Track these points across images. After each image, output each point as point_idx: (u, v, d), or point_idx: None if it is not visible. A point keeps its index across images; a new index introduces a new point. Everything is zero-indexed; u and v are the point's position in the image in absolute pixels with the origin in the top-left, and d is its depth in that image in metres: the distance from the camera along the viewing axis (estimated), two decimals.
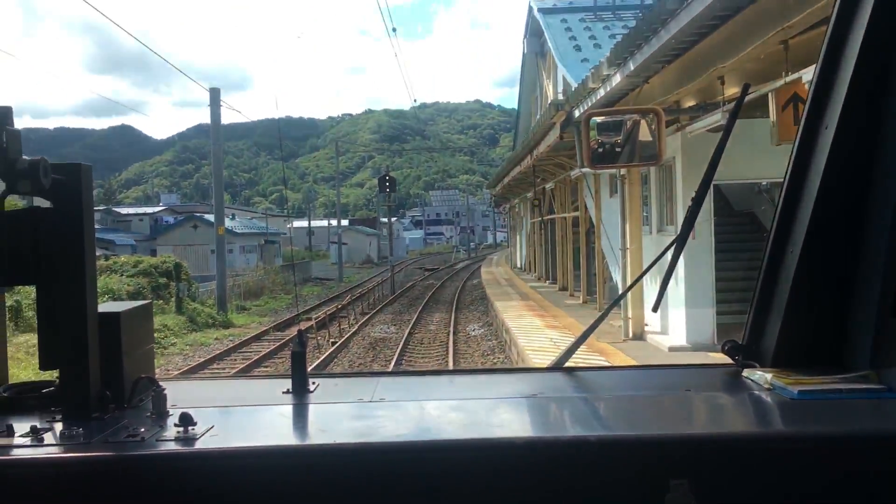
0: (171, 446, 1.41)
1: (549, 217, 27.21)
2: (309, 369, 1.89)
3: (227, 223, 37.08)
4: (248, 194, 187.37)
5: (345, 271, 50.75)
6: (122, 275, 25.41)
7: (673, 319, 12.79)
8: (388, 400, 1.71)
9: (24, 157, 1.41)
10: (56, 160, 1.49)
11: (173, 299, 24.87)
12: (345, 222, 79.40)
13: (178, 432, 1.45)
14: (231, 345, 20.16)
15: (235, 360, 18.08)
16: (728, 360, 1.91)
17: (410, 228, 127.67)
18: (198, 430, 1.46)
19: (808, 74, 7.09)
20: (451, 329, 21.50)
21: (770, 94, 8.23)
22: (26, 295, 17.87)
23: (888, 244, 1.62)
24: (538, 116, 23.09)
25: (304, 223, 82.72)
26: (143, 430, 1.48)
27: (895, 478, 1.34)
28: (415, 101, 63.22)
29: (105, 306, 1.66)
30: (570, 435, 1.44)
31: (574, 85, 17.54)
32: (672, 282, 2.02)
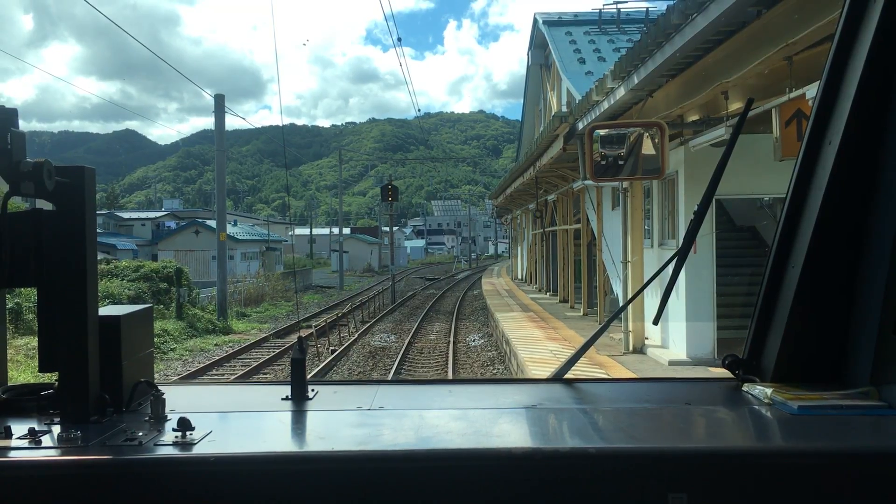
0: (169, 451, 1.41)
1: (551, 229, 27.21)
2: (308, 377, 1.89)
3: (229, 229, 37.14)
4: (251, 201, 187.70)
5: (345, 279, 50.71)
6: (122, 279, 25.39)
7: (673, 333, 12.77)
8: (387, 408, 1.71)
9: (28, 159, 1.42)
10: (59, 164, 1.50)
11: (174, 304, 24.83)
12: (346, 230, 79.45)
13: (176, 437, 1.45)
14: (231, 351, 20.13)
15: (235, 366, 18.05)
16: (728, 374, 1.91)
17: (412, 238, 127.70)
18: (196, 434, 1.46)
19: (811, 91, 7.11)
20: (452, 339, 21.46)
21: (774, 110, 8.24)
22: (27, 297, 17.87)
23: (890, 261, 1.62)
24: (541, 128, 23.13)
25: (305, 231, 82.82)
26: (141, 433, 1.47)
27: (894, 494, 1.34)
28: (419, 110, 62.83)
29: (105, 310, 1.66)
30: (569, 446, 1.43)
31: (578, 97, 17.59)
32: (673, 295, 2.01)
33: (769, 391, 1.70)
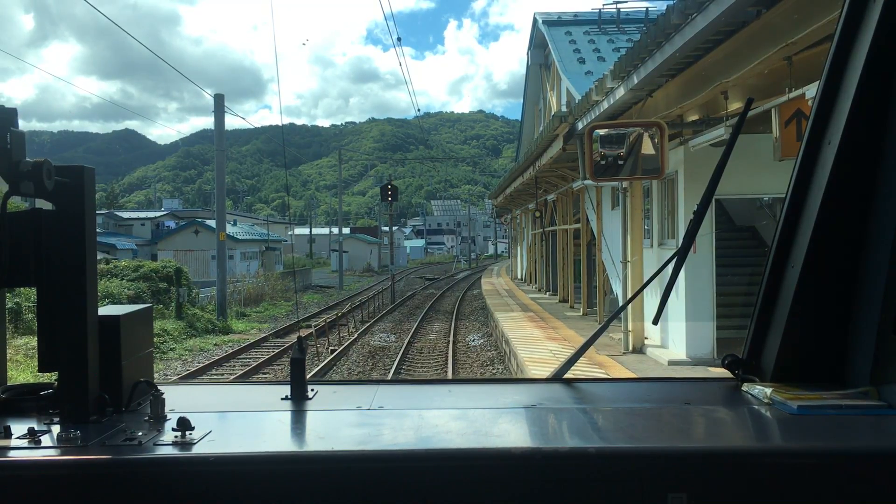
0: (169, 450, 1.41)
1: (551, 228, 27.22)
2: (308, 376, 1.89)
3: (229, 229, 37.13)
4: (250, 201, 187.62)
5: (345, 279, 50.69)
6: (122, 279, 25.39)
7: (673, 333, 12.77)
8: (386, 408, 1.71)
9: (28, 158, 1.42)
10: (59, 164, 1.50)
11: (173, 304, 24.83)
12: (346, 230, 79.41)
13: (176, 437, 1.45)
14: (230, 351, 20.13)
15: (234, 366, 18.05)
16: (728, 374, 1.91)
17: (411, 237, 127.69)
18: (195, 434, 1.46)
19: (811, 91, 7.11)
20: (451, 339, 21.46)
21: (773, 110, 8.24)
22: (26, 297, 17.86)
23: (889, 261, 1.62)
24: (541, 128, 23.13)
25: (305, 230, 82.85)
26: (140, 433, 1.47)
27: (894, 494, 1.34)
28: (419, 110, 62.67)
29: (105, 310, 1.66)
30: (569, 446, 1.43)
31: (577, 97, 17.58)
32: (672, 295, 2.01)
33: (769, 391, 1.70)
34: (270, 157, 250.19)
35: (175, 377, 15.91)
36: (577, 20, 31.14)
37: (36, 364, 1.62)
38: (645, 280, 2.42)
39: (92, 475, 1.35)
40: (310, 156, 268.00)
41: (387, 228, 52.28)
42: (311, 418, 1.68)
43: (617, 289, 15.85)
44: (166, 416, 1.60)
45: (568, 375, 2.00)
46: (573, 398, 1.84)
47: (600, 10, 30.77)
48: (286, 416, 1.68)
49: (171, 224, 62.32)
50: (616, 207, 15.66)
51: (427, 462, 1.38)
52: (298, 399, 1.79)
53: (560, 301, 24.71)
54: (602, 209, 17.75)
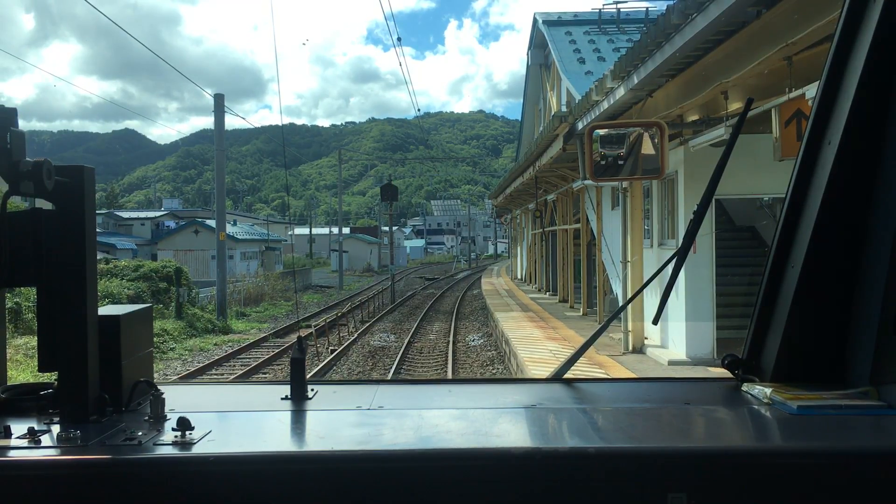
0: (169, 450, 1.41)
1: (551, 229, 27.22)
2: (308, 376, 1.89)
3: (229, 229, 37.13)
4: (250, 200, 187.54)
5: (345, 279, 50.69)
6: (122, 279, 25.39)
7: (673, 333, 12.77)
8: (386, 408, 1.71)
9: (28, 158, 1.42)
10: (59, 163, 1.50)
11: (173, 304, 24.83)
12: (346, 230, 79.41)
13: (176, 436, 1.45)
14: (230, 351, 20.12)
15: (234, 366, 18.05)
16: (728, 374, 1.91)
17: (411, 237, 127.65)
18: (195, 434, 1.46)
19: (811, 91, 7.11)
20: (451, 339, 21.46)
21: (773, 110, 8.24)
22: (26, 297, 17.85)
23: (890, 261, 1.62)
24: (541, 128, 23.13)
25: (305, 230, 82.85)
26: (140, 433, 1.47)
27: (894, 494, 1.34)
28: (419, 110, 62.64)
29: (105, 310, 1.66)
30: (568, 446, 1.43)
31: (577, 97, 17.58)
32: (672, 295, 2.01)
33: (769, 391, 1.70)
34: (270, 157, 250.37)
35: (175, 377, 15.91)
36: (577, 20, 31.14)
37: (36, 364, 1.62)
38: (645, 280, 2.42)
39: (92, 475, 1.35)
40: (310, 156, 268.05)
41: (387, 228, 52.28)
42: (311, 418, 1.67)
43: (617, 289, 15.85)
44: (166, 416, 1.60)
45: (568, 375, 2.00)
46: (573, 398, 1.84)
47: (600, 10, 30.78)
48: (286, 416, 1.68)
49: (171, 224, 62.32)
50: (616, 207, 15.65)
51: (427, 462, 1.38)
52: (298, 399, 1.79)
53: (560, 301, 24.70)
54: (602, 209, 17.75)
